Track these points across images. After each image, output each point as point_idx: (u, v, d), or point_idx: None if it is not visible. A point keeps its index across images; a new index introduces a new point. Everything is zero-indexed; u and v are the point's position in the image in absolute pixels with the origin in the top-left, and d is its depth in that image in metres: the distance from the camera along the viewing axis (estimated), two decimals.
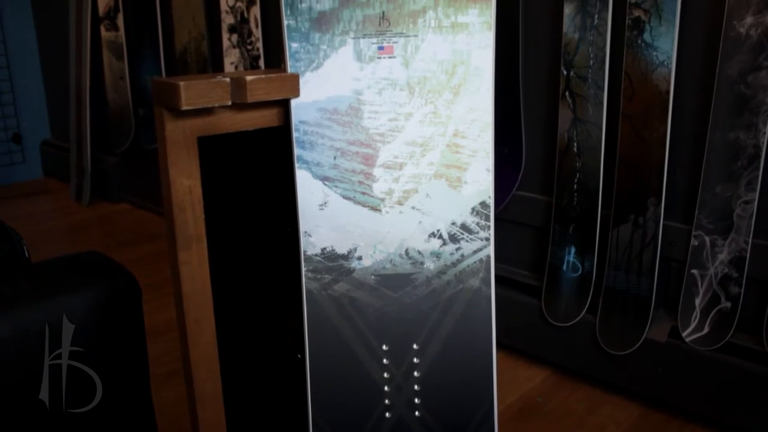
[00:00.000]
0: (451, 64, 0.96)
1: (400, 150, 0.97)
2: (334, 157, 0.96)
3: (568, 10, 1.46)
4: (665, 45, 1.34)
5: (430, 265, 1.00)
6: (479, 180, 0.99)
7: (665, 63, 1.34)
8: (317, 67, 0.94)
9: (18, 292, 0.97)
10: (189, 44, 2.42)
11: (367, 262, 0.99)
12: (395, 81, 0.96)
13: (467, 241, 1.00)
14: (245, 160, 0.99)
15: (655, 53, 1.35)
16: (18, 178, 3.38)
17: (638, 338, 1.44)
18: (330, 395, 1.02)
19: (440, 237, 1.00)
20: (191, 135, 0.88)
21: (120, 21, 2.71)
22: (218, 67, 2.35)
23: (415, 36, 0.95)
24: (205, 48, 2.37)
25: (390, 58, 0.95)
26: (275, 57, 2.17)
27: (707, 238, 1.36)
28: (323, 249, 0.98)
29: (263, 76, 0.90)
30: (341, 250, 0.99)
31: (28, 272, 1.02)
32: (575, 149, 1.50)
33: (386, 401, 1.03)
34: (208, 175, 0.91)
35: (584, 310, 1.53)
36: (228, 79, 0.87)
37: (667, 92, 1.35)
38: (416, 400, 1.03)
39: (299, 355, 1.03)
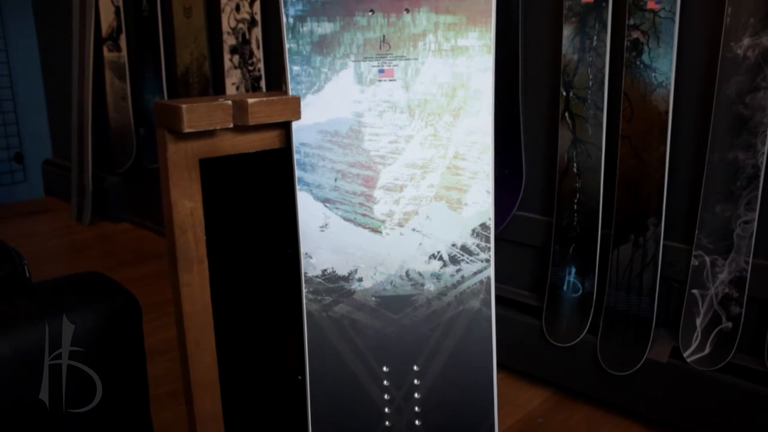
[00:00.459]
0: (451, 87, 0.97)
1: (400, 172, 0.98)
2: (335, 179, 0.97)
3: (567, 31, 1.47)
4: (664, 66, 1.35)
5: (431, 286, 1.00)
6: (479, 202, 0.99)
7: (664, 84, 1.35)
8: (318, 90, 0.95)
9: (18, 311, 0.97)
10: (191, 65, 2.44)
11: (367, 283, 1.00)
12: (396, 103, 0.97)
13: (468, 262, 1.00)
14: (246, 181, 1.00)
15: (653, 74, 1.36)
16: (19, 197, 3.39)
17: (639, 358, 1.43)
18: (330, 417, 1.01)
19: (441, 258, 1.00)
20: (193, 157, 0.89)
21: (123, 41, 2.74)
22: (220, 88, 2.37)
23: (416, 59, 0.96)
24: (207, 69, 2.39)
25: (390, 81, 0.96)
26: (276, 77, 2.19)
27: (707, 258, 1.36)
28: (324, 270, 0.99)
29: (265, 98, 0.90)
30: (342, 271, 0.99)
31: (29, 292, 1.02)
32: (575, 170, 1.50)
33: (387, 423, 1.02)
34: (210, 196, 0.92)
35: (585, 331, 1.53)
36: (230, 102, 0.88)
37: (666, 113, 1.36)
38: (417, 422, 1.03)
39: (299, 377, 1.03)
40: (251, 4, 2.17)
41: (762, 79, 1.25)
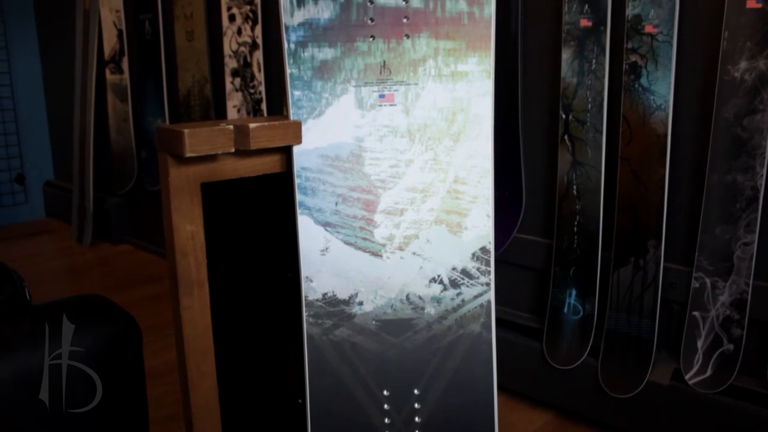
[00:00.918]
0: (451, 112, 0.98)
1: (400, 196, 0.98)
2: (336, 203, 0.97)
3: (566, 55, 1.48)
4: (662, 89, 1.36)
5: (431, 310, 1.00)
6: (479, 226, 0.99)
7: (662, 107, 1.36)
8: (319, 115, 0.96)
9: (19, 335, 0.97)
10: (192, 87, 2.46)
11: (368, 307, 1.00)
12: (396, 128, 0.97)
13: (468, 286, 1.00)
14: (247, 205, 1.00)
15: (652, 97, 1.37)
16: (20, 219, 3.39)
17: (641, 381, 1.43)
18: None
19: (441, 282, 1.00)
20: (195, 181, 0.89)
21: (125, 64, 2.76)
22: (221, 110, 2.38)
23: (416, 84, 0.97)
24: (209, 91, 2.41)
25: (391, 105, 0.97)
26: (277, 100, 2.20)
27: (708, 280, 1.36)
28: (324, 294, 0.99)
29: (266, 123, 0.91)
30: (342, 295, 0.99)
31: (29, 315, 1.02)
32: (575, 192, 1.51)
33: None
34: (211, 220, 0.92)
35: (586, 353, 1.52)
36: (231, 127, 0.88)
37: (665, 135, 1.36)
38: None
39: (300, 400, 1.03)
40: (253, 28, 2.19)
41: (759, 101, 1.25)
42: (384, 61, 0.96)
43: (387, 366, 1.00)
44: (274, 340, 1.07)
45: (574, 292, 1.55)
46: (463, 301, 1.00)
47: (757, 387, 1.34)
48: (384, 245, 0.99)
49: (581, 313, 1.54)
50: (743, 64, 1.26)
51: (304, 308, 0.99)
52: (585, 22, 1.45)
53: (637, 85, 1.38)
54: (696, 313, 1.38)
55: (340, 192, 0.97)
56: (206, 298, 0.93)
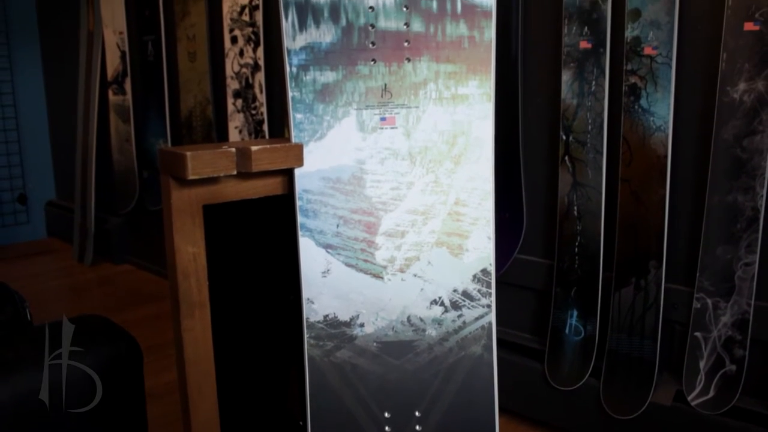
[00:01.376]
0: (451, 135, 0.98)
1: (401, 218, 0.99)
2: (337, 225, 0.98)
3: (566, 77, 1.49)
4: (661, 110, 1.37)
5: (432, 332, 1.00)
6: (480, 248, 1.00)
7: (662, 128, 1.37)
8: (321, 138, 0.97)
9: (19, 356, 0.97)
10: (194, 108, 2.47)
11: (369, 329, 1.00)
12: (397, 151, 0.98)
13: (469, 308, 1.00)
14: (249, 227, 1.00)
15: (652, 118, 1.38)
16: (22, 239, 3.40)
17: (643, 402, 1.42)
18: None
19: (442, 304, 1.00)
20: (197, 203, 0.90)
21: (127, 85, 2.78)
22: (223, 131, 2.39)
23: (417, 107, 0.98)
24: (210, 112, 2.42)
25: (392, 128, 0.98)
26: (279, 121, 2.21)
27: (709, 301, 1.36)
28: (326, 316, 0.99)
29: (268, 146, 0.92)
30: (343, 317, 0.99)
31: (30, 336, 1.02)
32: (575, 213, 1.51)
33: None
34: (213, 241, 0.92)
35: (588, 374, 1.52)
36: (233, 150, 0.89)
37: (665, 156, 1.37)
38: None
39: (300, 422, 1.02)
40: (255, 49, 2.21)
41: (758, 122, 1.26)
42: (385, 85, 0.97)
43: (388, 388, 1.00)
44: (275, 362, 1.07)
45: (575, 313, 1.55)
46: (464, 322, 1.00)
47: (760, 408, 1.33)
48: (385, 267, 0.99)
49: (582, 334, 1.54)
50: (742, 86, 1.27)
51: (305, 330, 0.99)
52: (585, 44, 1.46)
53: (636, 107, 1.39)
54: (698, 334, 1.38)
55: (341, 214, 0.98)
56: (208, 320, 0.93)
